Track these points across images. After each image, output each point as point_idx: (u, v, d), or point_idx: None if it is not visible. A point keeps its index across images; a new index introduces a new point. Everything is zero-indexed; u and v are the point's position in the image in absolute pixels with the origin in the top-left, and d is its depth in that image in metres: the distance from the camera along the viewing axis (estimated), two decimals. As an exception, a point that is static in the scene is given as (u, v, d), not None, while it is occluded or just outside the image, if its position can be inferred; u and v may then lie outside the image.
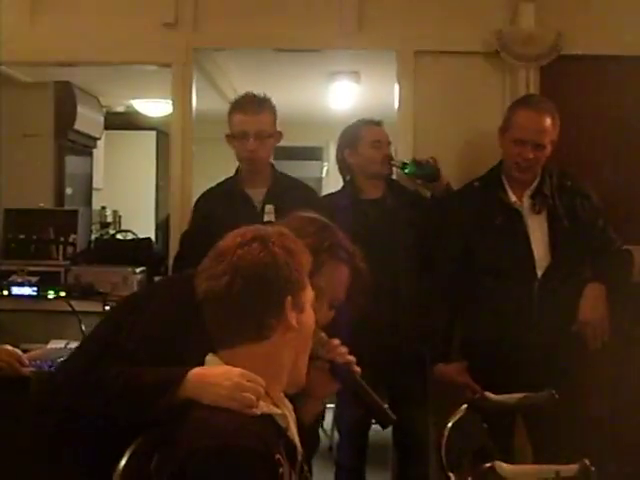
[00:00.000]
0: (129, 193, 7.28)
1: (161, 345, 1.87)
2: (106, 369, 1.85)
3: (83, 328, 3.32)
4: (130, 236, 4.87)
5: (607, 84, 3.84)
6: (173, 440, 1.58)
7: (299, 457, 1.70)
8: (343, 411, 3.47)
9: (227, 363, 1.67)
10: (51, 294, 3.81)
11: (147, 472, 1.66)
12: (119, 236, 5.07)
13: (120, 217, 6.90)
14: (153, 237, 5.38)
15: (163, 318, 1.93)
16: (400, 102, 3.95)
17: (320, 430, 2.18)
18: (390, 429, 3.55)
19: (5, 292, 3.85)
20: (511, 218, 3.17)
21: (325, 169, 8.73)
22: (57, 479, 1.99)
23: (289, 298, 1.65)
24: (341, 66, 5.57)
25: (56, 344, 3.34)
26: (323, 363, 1.88)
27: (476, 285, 3.19)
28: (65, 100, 4.99)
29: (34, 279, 3.89)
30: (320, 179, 8.77)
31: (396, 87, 3.97)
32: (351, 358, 1.90)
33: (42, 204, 4.55)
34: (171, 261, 3.70)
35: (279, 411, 1.67)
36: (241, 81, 5.50)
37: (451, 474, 2.10)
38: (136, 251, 4.24)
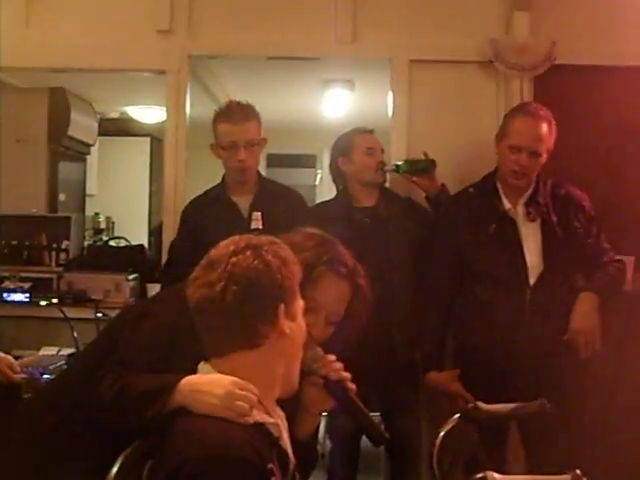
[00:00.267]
0: (122, 199, 7.28)
1: (156, 354, 1.87)
2: (103, 377, 1.85)
3: (75, 335, 3.31)
4: (123, 243, 4.87)
5: (601, 94, 3.85)
6: (165, 449, 1.58)
7: (291, 466, 1.69)
8: (335, 419, 3.46)
9: (220, 371, 1.67)
10: (43, 301, 3.79)
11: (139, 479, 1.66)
12: (112, 243, 5.07)
13: (113, 223, 6.90)
14: (146, 243, 5.38)
15: (159, 328, 1.93)
16: (394, 110, 3.96)
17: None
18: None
19: (-3, 298, 3.83)
20: (505, 225, 3.17)
21: (319, 177, 8.74)
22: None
23: (282, 306, 1.66)
24: (335, 74, 5.59)
25: (48, 351, 3.33)
26: (317, 379, 1.87)
27: (469, 292, 3.19)
28: (59, 106, 4.98)
29: (26, 285, 3.88)
30: (314, 187, 8.78)
31: (390, 95, 3.98)
32: (346, 375, 1.88)
33: (35, 210, 4.54)
34: (162, 269, 3.69)
35: (272, 420, 1.67)
36: (235, 88, 5.51)
37: (443, 484, 2.10)
38: (129, 258, 4.23)
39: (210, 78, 5.35)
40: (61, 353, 3.30)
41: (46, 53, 3.96)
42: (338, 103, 6.16)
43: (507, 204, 3.20)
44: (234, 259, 1.65)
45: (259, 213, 3.14)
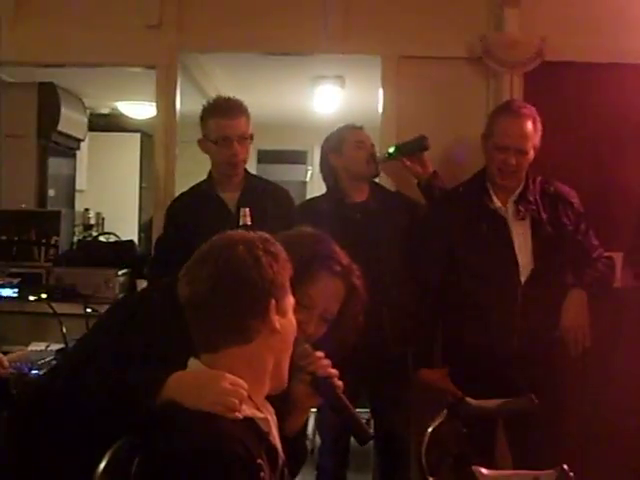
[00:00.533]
0: (113, 195, 7.26)
1: (146, 350, 1.86)
2: (93, 373, 1.85)
3: (64, 330, 3.30)
4: (113, 238, 4.85)
5: (591, 90, 3.86)
6: (154, 444, 1.57)
7: (280, 461, 1.69)
8: (325, 415, 3.47)
9: (210, 367, 1.67)
10: (32, 296, 3.78)
11: (128, 475, 1.66)
12: (102, 238, 5.05)
13: (103, 219, 6.87)
14: (136, 239, 5.37)
15: (148, 323, 1.92)
16: (384, 107, 3.96)
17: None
18: (372, 433, 3.56)
19: (-14, 294, 3.82)
20: (495, 224, 3.18)
21: (309, 173, 8.74)
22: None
23: (273, 301, 1.66)
24: (326, 70, 5.59)
25: (37, 346, 3.33)
26: (305, 375, 1.87)
27: (459, 290, 3.19)
28: (49, 101, 4.98)
29: (15, 281, 3.87)
30: (304, 183, 8.78)
31: (380, 92, 3.98)
32: (333, 371, 1.88)
33: (24, 205, 4.53)
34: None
35: (262, 415, 1.67)
36: (225, 84, 5.51)
37: (431, 478, 2.10)
38: (119, 253, 4.22)
39: (200, 73, 5.34)
40: (50, 348, 3.29)
41: (35, 48, 3.95)
42: (329, 99, 6.15)
43: (497, 202, 3.20)
44: (225, 254, 1.65)
45: (247, 209, 3.13)
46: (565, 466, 1.84)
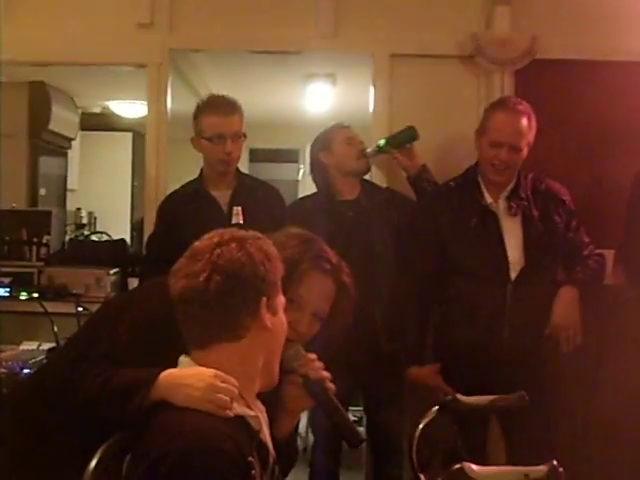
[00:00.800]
0: (104, 194, 7.25)
1: (138, 348, 1.86)
2: (85, 371, 1.85)
3: (56, 330, 3.29)
4: (105, 238, 4.85)
5: (582, 88, 3.87)
6: (145, 441, 1.57)
7: (271, 459, 1.70)
8: (318, 413, 3.47)
9: (200, 364, 1.67)
10: (24, 295, 3.78)
11: (119, 473, 1.66)
12: (94, 237, 5.05)
13: (95, 218, 6.87)
14: (129, 238, 5.36)
15: (140, 321, 1.92)
16: (375, 105, 3.96)
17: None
18: (365, 429, 3.57)
19: (-23, 293, 3.81)
20: (486, 220, 3.18)
21: (301, 171, 8.74)
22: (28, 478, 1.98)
23: (264, 299, 1.66)
24: (317, 68, 5.59)
25: (28, 346, 3.32)
26: (297, 377, 1.87)
27: (450, 286, 3.19)
28: (40, 100, 4.97)
29: (7, 280, 3.86)
30: (296, 181, 8.78)
31: (372, 90, 3.98)
32: (325, 374, 1.88)
33: (15, 204, 4.51)
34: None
35: (252, 413, 1.67)
36: (217, 82, 5.50)
37: (421, 475, 2.10)
38: (110, 252, 4.21)
39: (192, 72, 5.33)
40: (41, 348, 3.29)
41: (26, 47, 3.92)
42: (320, 98, 6.15)
43: (489, 198, 3.20)
44: (218, 250, 1.65)
45: (240, 208, 3.14)
46: (555, 462, 1.84)
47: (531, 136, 3.17)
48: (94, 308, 3.05)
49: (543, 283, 3.15)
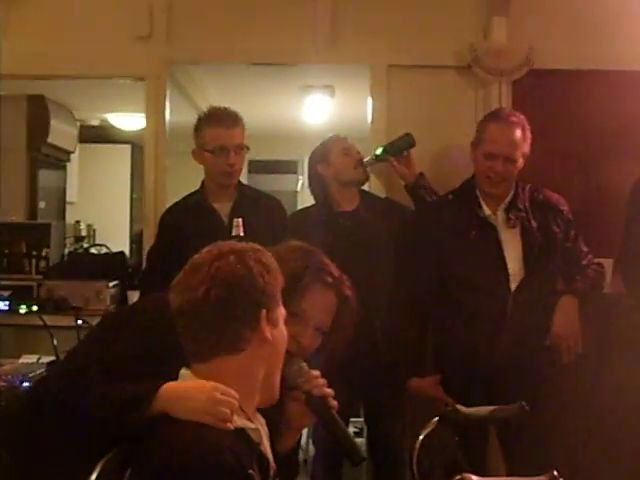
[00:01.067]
0: (104, 207, 7.26)
1: (138, 362, 1.86)
2: (86, 384, 1.85)
3: (55, 343, 3.29)
4: (104, 250, 4.85)
5: (579, 98, 3.89)
6: (146, 455, 1.57)
7: (271, 472, 1.69)
8: (319, 425, 3.47)
9: (200, 377, 1.67)
10: (23, 308, 3.78)
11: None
12: (93, 250, 5.05)
13: (95, 231, 6.87)
14: (128, 251, 5.36)
15: (141, 335, 1.92)
16: (373, 115, 3.98)
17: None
18: (366, 441, 3.56)
19: (-23, 306, 3.81)
20: (485, 232, 3.17)
21: (300, 182, 8.75)
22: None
23: (264, 311, 1.66)
24: (315, 80, 5.60)
25: (28, 359, 3.31)
26: (300, 394, 1.87)
27: (449, 299, 3.19)
28: (38, 113, 4.98)
29: (6, 293, 3.86)
30: (295, 192, 8.78)
31: (369, 101, 3.99)
32: (329, 391, 1.88)
33: (14, 218, 4.52)
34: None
35: (253, 425, 1.67)
36: (215, 95, 5.52)
37: (422, 486, 2.10)
38: (109, 265, 4.22)
39: (190, 84, 5.35)
40: (41, 361, 3.27)
41: (25, 60, 3.93)
42: (318, 109, 6.17)
43: (487, 210, 3.20)
44: (217, 263, 1.65)
45: (240, 220, 3.14)
46: (555, 472, 1.83)
47: (526, 147, 3.17)
48: (94, 321, 3.05)
49: (543, 293, 3.15)
